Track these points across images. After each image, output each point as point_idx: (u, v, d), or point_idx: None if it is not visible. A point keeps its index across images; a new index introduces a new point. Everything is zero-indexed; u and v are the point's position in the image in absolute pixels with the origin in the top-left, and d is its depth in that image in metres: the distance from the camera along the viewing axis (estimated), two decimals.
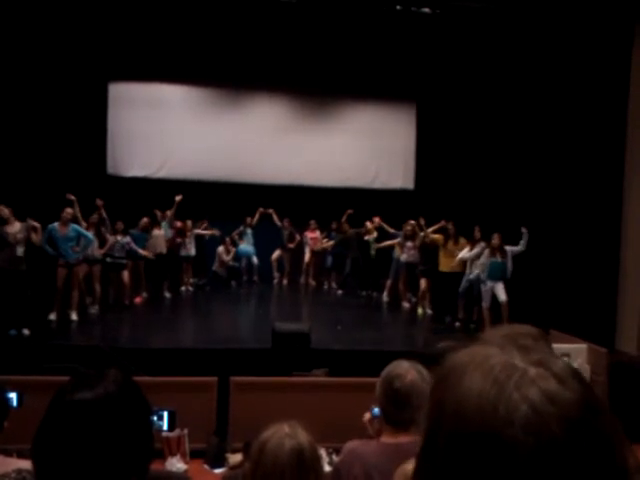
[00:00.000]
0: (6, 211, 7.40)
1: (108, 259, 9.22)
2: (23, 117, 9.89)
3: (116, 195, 11.06)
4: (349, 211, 11.84)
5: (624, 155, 8.36)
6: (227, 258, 12.17)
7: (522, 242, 8.47)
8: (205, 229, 12.16)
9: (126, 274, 9.50)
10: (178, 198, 10.61)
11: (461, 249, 9.36)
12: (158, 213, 10.66)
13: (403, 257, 10.36)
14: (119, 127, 12.55)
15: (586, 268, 8.50)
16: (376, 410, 2.34)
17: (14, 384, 4.00)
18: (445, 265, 9.50)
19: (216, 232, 12.10)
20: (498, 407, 0.55)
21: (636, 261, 8.07)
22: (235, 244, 12.35)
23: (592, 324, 7.56)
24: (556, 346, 4.90)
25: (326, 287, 12.49)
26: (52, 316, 8.13)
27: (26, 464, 1.46)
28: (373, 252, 11.51)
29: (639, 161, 8.11)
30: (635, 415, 5.83)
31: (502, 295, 8.52)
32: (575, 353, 4.87)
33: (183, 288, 11.34)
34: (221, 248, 12.13)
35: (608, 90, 8.38)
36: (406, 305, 10.54)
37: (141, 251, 9.86)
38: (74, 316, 8.22)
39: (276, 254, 12.64)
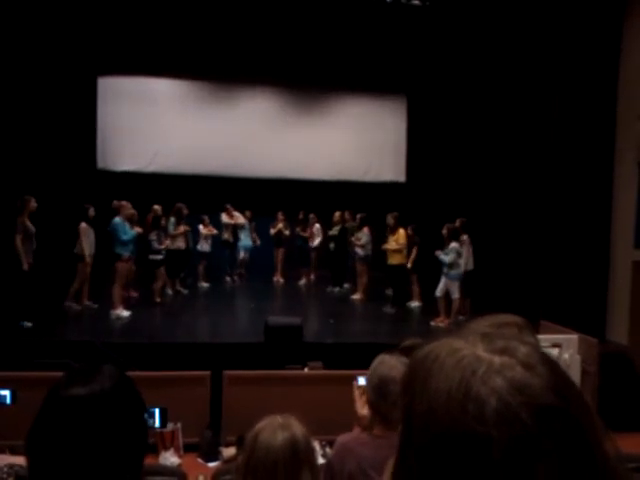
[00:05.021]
0: (35, 205, 7.63)
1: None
2: (12, 112, 9.79)
3: (106, 190, 10.99)
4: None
5: (614, 145, 8.39)
6: (230, 220, 12.00)
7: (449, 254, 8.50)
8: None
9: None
10: None
11: (397, 240, 9.63)
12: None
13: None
14: (109, 121, 12.47)
15: (576, 258, 8.53)
16: (360, 379, 2.35)
17: (7, 380, 3.99)
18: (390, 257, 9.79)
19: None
20: (467, 405, 0.54)
21: (626, 251, 8.12)
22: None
23: (583, 314, 7.61)
24: (547, 337, 4.94)
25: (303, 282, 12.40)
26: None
27: (19, 460, 1.46)
28: (332, 245, 11.65)
29: (628, 151, 8.14)
30: (626, 404, 5.91)
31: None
32: (566, 344, 4.90)
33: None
34: (224, 215, 11.98)
35: (598, 83, 8.40)
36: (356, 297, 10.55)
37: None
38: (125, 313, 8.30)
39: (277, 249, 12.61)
